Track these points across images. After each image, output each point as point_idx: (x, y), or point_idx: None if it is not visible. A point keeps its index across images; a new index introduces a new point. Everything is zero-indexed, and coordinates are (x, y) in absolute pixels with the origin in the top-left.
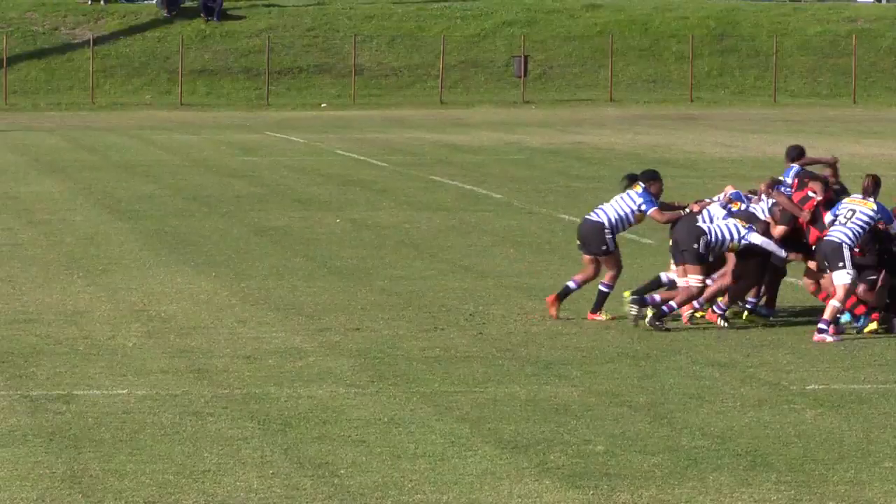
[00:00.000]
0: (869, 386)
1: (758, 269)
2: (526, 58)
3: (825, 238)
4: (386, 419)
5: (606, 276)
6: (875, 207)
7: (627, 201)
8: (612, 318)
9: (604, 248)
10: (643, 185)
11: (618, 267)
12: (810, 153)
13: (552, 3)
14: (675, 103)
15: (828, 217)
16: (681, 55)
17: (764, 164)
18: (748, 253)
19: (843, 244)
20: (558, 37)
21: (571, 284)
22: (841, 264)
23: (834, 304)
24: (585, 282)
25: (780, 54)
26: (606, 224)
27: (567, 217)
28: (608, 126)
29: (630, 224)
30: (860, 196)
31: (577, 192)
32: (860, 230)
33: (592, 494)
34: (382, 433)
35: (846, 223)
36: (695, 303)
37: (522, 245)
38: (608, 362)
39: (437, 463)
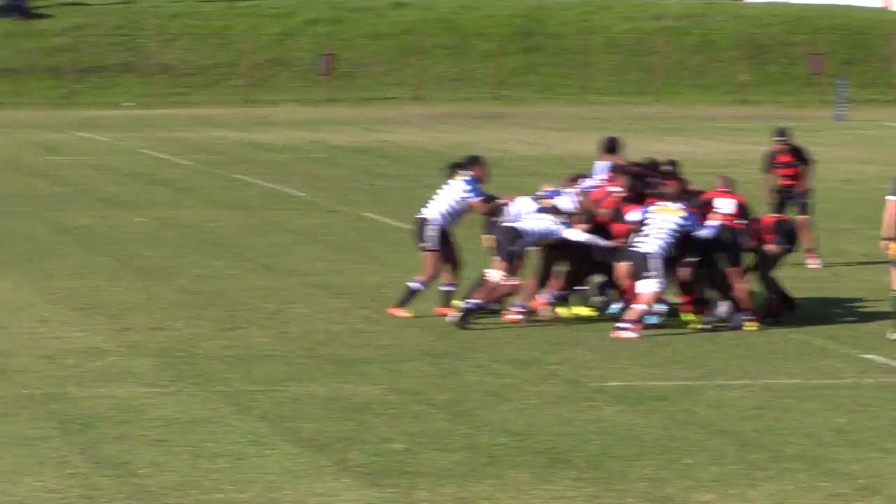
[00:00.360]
0: (668, 383)
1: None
2: (331, 56)
3: (633, 248)
4: (186, 418)
5: (425, 274)
6: (685, 215)
7: (453, 192)
8: (416, 317)
9: (427, 244)
10: (470, 173)
11: (435, 269)
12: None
13: (359, 2)
14: (481, 101)
15: (634, 214)
16: (487, 53)
17: (567, 161)
18: (561, 248)
19: (652, 256)
20: (365, 35)
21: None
22: (649, 273)
23: (637, 308)
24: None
25: (586, 52)
26: (431, 219)
27: (371, 215)
28: (414, 124)
29: (459, 215)
30: (670, 203)
31: (382, 190)
32: (669, 240)
33: (392, 492)
34: (183, 432)
35: (655, 233)
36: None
37: (325, 243)
38: (409, 360)
39: (237, 462)
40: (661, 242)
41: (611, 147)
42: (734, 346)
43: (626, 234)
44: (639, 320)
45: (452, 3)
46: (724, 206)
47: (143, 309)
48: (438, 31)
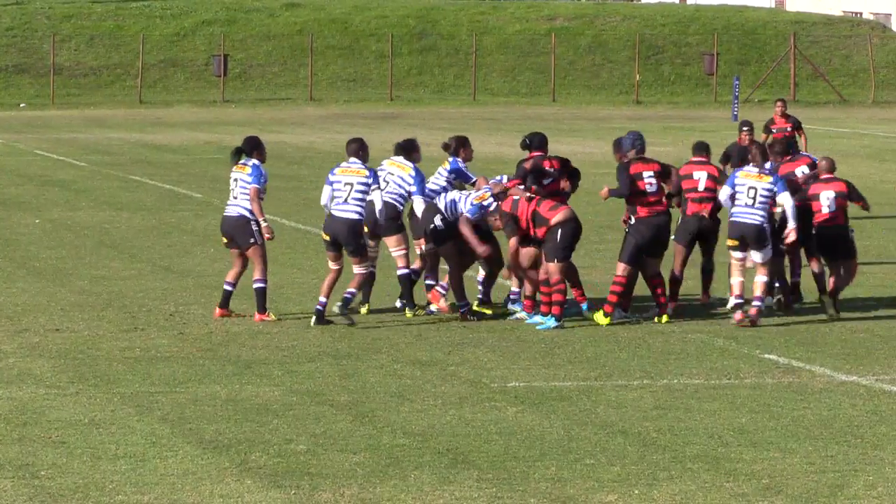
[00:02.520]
0: (569, 383)
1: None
2: (226, 57)
3: (740, 220)
4: (86, 420)
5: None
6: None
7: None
8: (279, 319)
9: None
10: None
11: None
12: (507, 151)
13: (252, 3)
14: (375, 102)
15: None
16: (381, 54)
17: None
18: (444, 238)
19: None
20: (258, 36)
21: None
22: (764, 244)
23: (763, 280)
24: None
25: (479, 53)
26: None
27: (267, 217)
28: (308, 125)
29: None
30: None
31: (278, 191)
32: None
33: (294, 494)
34: (83, 434)
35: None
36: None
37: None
38: (309, 361)
39: (138, 464)
40: (763, 212)
41: (528, 145)
42: (634, 347)
43: (532, 228)
44: (769, 293)
45: (345, 4)
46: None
47: (42, 311)
48: (332, 31)
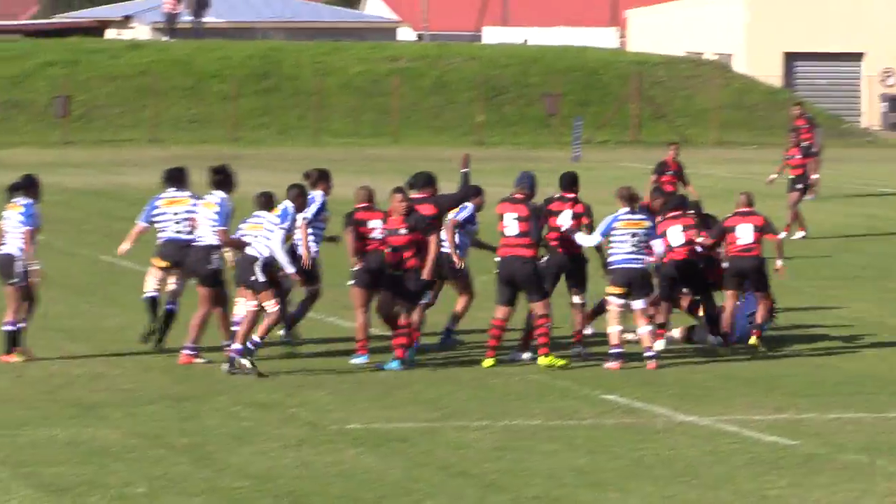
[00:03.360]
0: (409, 424)
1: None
2: (67, 98)
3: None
4: None
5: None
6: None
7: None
8: (28, 360)
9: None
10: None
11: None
12: (351, 192)
13: (94, 44)
14: (218, 143)
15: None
16: (223, 95)
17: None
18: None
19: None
20: (100, 77)
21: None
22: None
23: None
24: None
25: (322, 93)
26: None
27: (108, 258)
28: (150, 166)
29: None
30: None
31: (119, 233)
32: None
33: None
34: None
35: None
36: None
37: (63, 287)
38: (149, 404)
39: None
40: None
41: (413, 184)
42: (474, 388)
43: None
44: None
45: (188, 46)
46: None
47: None
48: (174, 72)
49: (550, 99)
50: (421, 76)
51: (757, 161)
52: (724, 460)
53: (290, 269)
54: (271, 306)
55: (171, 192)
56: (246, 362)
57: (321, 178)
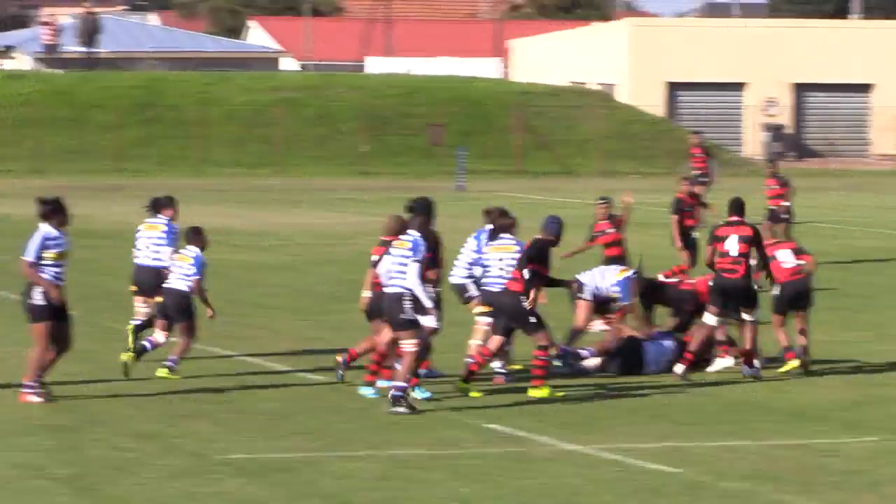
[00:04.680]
0: (293, 454)
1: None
2: None
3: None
4: None
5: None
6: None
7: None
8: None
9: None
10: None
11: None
12: (234, 222)
13: None
14: (101, 173)
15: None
16: (106, 125)
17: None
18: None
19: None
20: None
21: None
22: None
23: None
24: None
25: (205, 124)
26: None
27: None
28: (31, 197)
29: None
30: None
31: (3, 264)
32: None
33: None
34: None
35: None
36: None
37: None
38: (29, 435)
39: None
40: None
41: (412, 209)
42: (358, 417)
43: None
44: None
45: (69, 76)
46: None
47: None
48: (56, 103)
49: (434, 129)
50: (304, 106)
51: (640, 190)
52: (609, 488)
53: (428, 304)
54: (412, 346)
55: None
56: (403, 407)
57: (168, 203)
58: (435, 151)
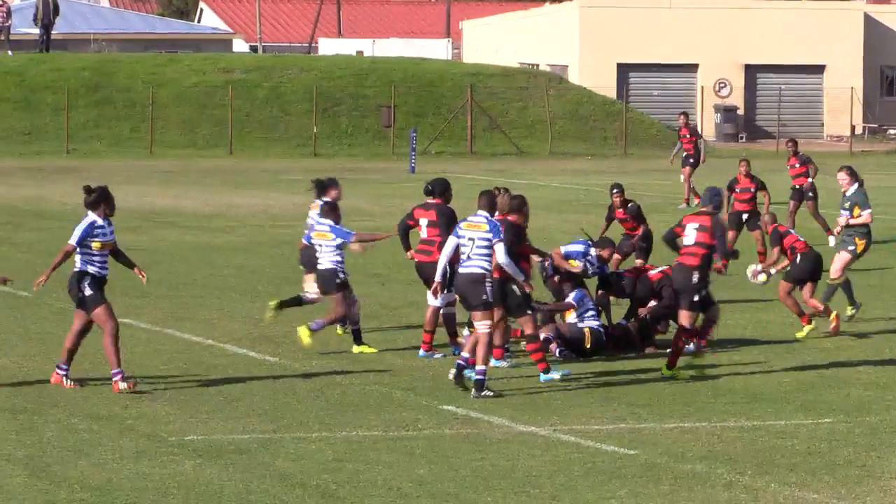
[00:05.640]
0: (248, 436)
1: None
2: None
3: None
4: None
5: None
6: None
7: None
8: None
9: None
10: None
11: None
12: (185, 203)
13: None
14: (52, 155)
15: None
16: (56, 107)
17: (139, 213)
18: None
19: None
20: None
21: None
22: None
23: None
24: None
25: (156, 105)
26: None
27: None
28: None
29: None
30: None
31: None
32: None
33: None
34: None
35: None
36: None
37: None
38: None
39: None
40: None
41: (431, 191)
42: (313, 399)
43: None
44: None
45: (20, 57)
46: None
47: None
48: (6, 84)
49: (385, 111)
50: (255, 87)
51: (591, 172)
52: (564, 470)
53: (520, 277)
54: (487, 327)
55: None
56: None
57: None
58: (386, 133)
